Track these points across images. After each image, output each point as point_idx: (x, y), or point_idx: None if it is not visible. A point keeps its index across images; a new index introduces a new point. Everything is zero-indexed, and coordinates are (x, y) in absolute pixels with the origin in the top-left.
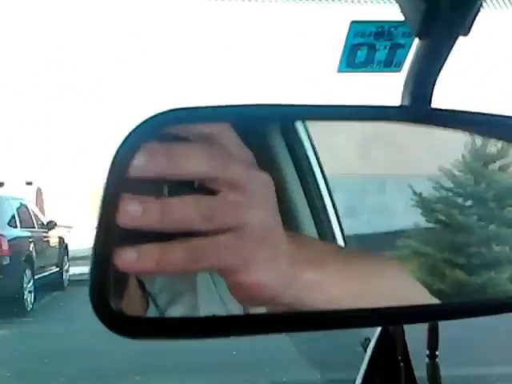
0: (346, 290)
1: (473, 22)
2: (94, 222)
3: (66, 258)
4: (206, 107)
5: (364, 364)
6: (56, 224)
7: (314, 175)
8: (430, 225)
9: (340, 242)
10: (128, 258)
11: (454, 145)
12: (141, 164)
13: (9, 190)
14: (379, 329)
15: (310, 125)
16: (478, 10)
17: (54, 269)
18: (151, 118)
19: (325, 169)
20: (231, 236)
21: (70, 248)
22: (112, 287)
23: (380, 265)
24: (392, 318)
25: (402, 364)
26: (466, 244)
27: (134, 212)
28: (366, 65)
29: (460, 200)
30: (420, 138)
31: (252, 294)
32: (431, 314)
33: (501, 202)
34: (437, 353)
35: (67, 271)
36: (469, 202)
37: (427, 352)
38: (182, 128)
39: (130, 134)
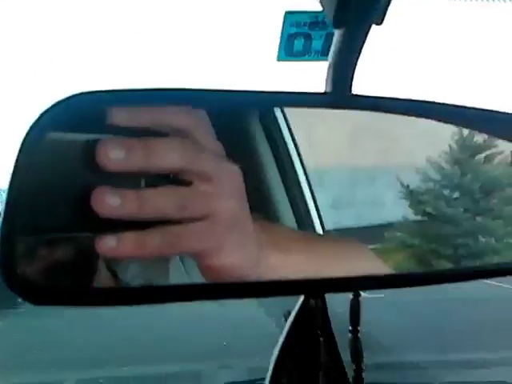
0: (307, 270)
1: (386, 11)
2: None
3: None
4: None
5: (283, 334)
6: None
7: (292, 163)
8: (418, 217)
9: (318, 228)
10: (108, 244)
11: (441, 136)
12: (119, 158)
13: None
14: (300, 300)
15: (289, 113)
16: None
17: None
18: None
19: (303, 157)
20: (203, 223)
21: None
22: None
23: (340, 242)
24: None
25: (321, 337)
26: (453, 235)
27: (114, 204)
28: (303, 54)
29: (447, 192)
30: (407, 128)
31: (222, 275)
32: (382, 282)
33: (487, 194)
34: (359, 328)
35: None
36: (456, 194)
37: (350, 327)
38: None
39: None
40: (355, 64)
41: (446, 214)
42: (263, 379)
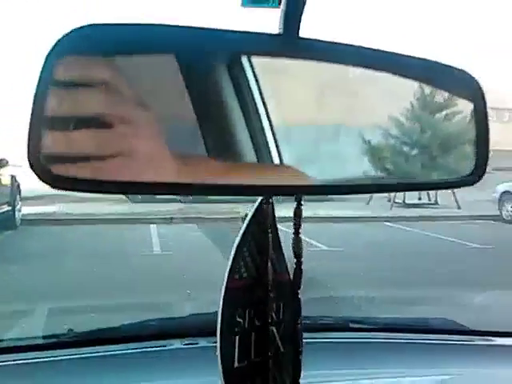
0: None
1: None
2: None
3: (18, 197)
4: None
5: (241, 230)
6: (8, 162)
7: (257, 112)
8: (377, 173)
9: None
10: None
11: (403, 93)
12: (54, 106)
13: None
14: (256, 204)
15: (256, 65)
16: None
17: (6, 207)
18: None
19: (269, 110)
20: (121, 159)
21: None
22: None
23: None
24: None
25: (270, 234)
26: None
27: (48, 138)
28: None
29: (407, 148)
30: (371, 85)
31: None
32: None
33: (444, 151)
34: (300, 230)
35: (19, 210)
36: (414, 151)
37: (293, 230)
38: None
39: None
40: (302, 8)
41: (403, 170)
42: None
